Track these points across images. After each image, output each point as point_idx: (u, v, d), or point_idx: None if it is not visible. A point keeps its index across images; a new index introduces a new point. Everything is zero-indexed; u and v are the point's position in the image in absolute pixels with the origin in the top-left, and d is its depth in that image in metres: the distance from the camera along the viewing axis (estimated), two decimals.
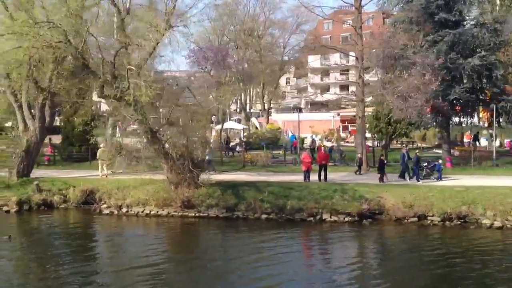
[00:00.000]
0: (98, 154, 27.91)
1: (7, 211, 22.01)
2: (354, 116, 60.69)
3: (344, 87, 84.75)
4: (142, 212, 20.86)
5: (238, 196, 20.41)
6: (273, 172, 26.03)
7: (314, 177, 22.44)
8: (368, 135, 52.20)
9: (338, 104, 63.52)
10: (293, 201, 19.43)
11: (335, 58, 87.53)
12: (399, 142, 40.23)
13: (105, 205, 22.34)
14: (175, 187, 21.07)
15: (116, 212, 21.23)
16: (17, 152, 24.80)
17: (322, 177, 22.27)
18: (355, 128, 55.43)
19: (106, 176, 25.15)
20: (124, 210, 21.21)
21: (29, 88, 23.73)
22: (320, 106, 79.79)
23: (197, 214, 20.25)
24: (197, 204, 20.35)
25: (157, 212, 20.68)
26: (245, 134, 47.22)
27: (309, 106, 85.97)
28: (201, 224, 19.82)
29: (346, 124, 58.58)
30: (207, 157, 28.16)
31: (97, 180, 24.26)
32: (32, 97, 24.43)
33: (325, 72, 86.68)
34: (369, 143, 39.18)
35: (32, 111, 25.25)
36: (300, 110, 39.11)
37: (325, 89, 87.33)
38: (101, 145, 28.54)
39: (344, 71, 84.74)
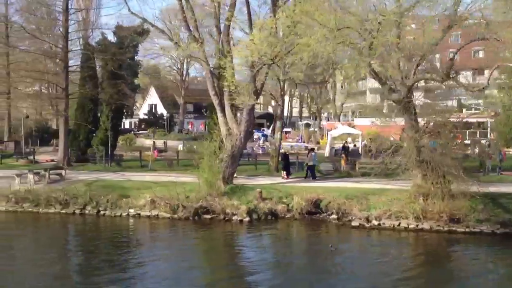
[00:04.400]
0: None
1: (240, 221, 20.78)
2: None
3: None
4: (399, 225, 19.52)
5: (508, 210, 19.06)
6: None
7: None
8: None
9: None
10: None
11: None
12: None
13: (333, 216, 21.17)
14: (425, 198, 19.79)
15: (366, 224, 19.90)
16: (222, 157, 23.58)
17: None
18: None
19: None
20: (375, 222, 19.87)
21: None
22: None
23: (466, 230, 18.89)
24: (462, 218, 19.02)
25: (417, 226, 19.34)
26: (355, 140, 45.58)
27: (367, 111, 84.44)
28: (479, 241, 18.33)
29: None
30: (311, 163, 26.89)
31: (313, 188, 22.96)
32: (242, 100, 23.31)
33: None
34: None
35: None
36: None
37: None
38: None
39: None
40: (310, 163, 26.87)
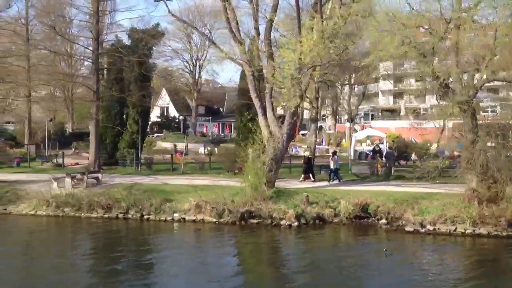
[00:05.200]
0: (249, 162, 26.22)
1: (289, 225, 20.37)
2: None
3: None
4: (455, 230, 19.05)
5: None
6: None
7: None
8: None
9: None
10: None
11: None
12: None
13: (383, 220, 20.71)
14: (480, 202, 19.34)
15: (421, 230, 19.42)
16: (264, 160, 23.15)
17: None
18: None
19: None
20: (429, 227, 19.39)
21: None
22: (392, 114, 78.00)
23: None
24: None
25: (473, 231, 18.88)
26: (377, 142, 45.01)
27: (380, 114, 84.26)
28: None
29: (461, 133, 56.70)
30: (335, 166, 26.48)
31: (359, 192, 22.52)
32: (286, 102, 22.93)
33: (399, 79, 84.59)
34: None
35: None
36: None
37: (398, 95, 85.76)
38: (250, 151, 26.95)
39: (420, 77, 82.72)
40: (334, 166, 26.54)
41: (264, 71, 23.02)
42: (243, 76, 33.75)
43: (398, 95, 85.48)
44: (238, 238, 19.63)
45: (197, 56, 79.97)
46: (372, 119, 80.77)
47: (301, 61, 19.44)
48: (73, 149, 46.35)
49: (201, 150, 46.91)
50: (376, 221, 20.88)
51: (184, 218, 21.21)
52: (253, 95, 23.79)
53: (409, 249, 18.36)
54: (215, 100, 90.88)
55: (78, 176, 24.93)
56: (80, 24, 35.11)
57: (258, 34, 24.26)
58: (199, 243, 19.43)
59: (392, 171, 28.39)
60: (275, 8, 23.19)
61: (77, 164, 35.33)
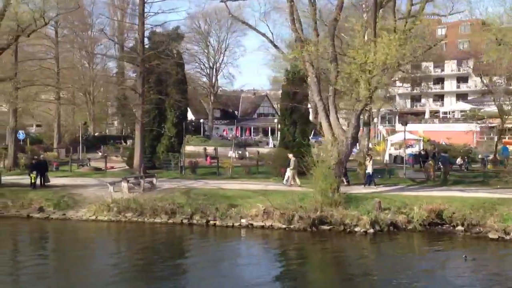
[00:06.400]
0: (291, 164, 25.71)
1: (365, 232, 19.64)
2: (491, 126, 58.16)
3: (438, 97, 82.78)
4: None
5: None
6: None
7: None
8: None
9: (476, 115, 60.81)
10: None
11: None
12: None
13: (459, 227, 19.98)
14: None
15: (506, 237, 18.68)
16: (330, 165, 22.45)
17: None
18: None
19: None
20: None
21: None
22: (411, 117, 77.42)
23: None
24: None
25: None
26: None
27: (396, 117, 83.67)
28: None
29: (491, 136, 56.02)
30: (370, 171, 25.75)
31: (429, 198, 21.76)
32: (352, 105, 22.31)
33: (416, 82, 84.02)
34: None
35: None
36: None
37: (415, 99, 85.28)
38: (290, 155, 26.39)
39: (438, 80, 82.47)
40: (370, 170, 25.85)
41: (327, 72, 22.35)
42: (287, 79, 33.13)
43: (414, 98, 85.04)
44: (309, 246, 18.76)
45: (214, 59, 79.66)
46: (388, 122, 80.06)
47: (378, 62, 18.76)
48: (100, 153, 45.71)
49: (231, 153, 46.20)
50: (451, 227, 20.17)
51: (251, 224, 20.49)
52: (316, 98, 23.14)
53: (491, 256, 17.64)
54: (230, 103, 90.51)
55: (133, 180, 24.25)
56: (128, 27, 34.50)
57: (317, 35, 23.66)
58: (271, 250, 18.61)
59: (448, 176, 27.72)
60: (340, 7, 22.55)
61: (112, 168, 34.73)
